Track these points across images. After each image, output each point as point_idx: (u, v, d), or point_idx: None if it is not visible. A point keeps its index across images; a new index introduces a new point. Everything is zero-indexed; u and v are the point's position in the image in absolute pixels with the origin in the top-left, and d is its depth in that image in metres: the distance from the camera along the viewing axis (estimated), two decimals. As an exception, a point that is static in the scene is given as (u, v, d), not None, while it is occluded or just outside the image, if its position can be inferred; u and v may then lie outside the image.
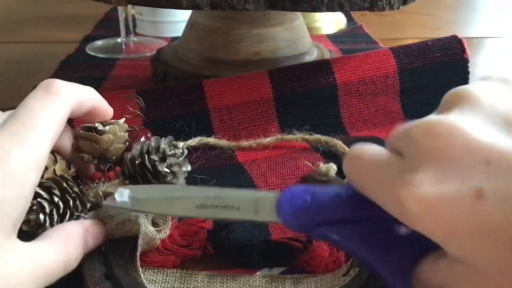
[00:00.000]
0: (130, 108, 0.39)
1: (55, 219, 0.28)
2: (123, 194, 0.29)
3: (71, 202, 0.29)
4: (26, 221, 0.27)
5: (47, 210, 0.28)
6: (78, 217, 0.30)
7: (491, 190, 0.18)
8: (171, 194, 0.28)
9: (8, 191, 0.24)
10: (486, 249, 0.18)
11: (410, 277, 0.22)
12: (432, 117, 0.21)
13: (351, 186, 0.24)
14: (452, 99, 0.22)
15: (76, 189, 0.30)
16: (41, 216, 0.28)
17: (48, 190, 0.29)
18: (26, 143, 0.25)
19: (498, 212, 0.17)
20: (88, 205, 0.31)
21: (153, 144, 0.33)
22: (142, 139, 0.37)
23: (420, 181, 0.19)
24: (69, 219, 0.29)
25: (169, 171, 0.33)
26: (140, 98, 0.41)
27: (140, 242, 0.30)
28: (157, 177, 0.33)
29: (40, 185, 0.29)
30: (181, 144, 0.35)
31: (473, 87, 0.22)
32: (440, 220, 0.19)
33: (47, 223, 0.28)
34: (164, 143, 0.34)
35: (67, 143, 0.33)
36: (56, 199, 0.29)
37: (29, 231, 0.28)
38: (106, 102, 0.33)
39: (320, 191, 0.25)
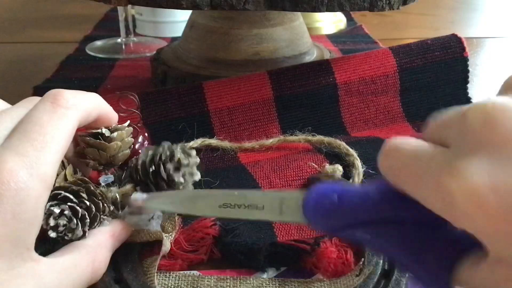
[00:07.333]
0: (123, 106, 0.38)
1: (87, 223, 0.28)
2: (141, 197, 0.29)
3: (100, 205, 0.29)
4: (53, 227, 0.27)
5: (80, 214, 0.27)
6: (102, 221, 0.30)
7: None
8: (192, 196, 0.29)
9: (21, 222, 0.23)
10: None
11: (448, 278, 0.21)
12: (491, 102, 0.18)
13: (384, 184, 0.22)
14: None
15: (100, 191, 0.30)
16: (74, 221, 0.27)
17: (76, 194, 0.28)
18: (36, 165, 0.24)
19: None
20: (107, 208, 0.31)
21: (168, 152, 0.33)
22: (140, 138, 0.37)
23: (470, 170, 0.17)
24: (98, 223, 0.29)
25: (183, 180, 0.32)
26: (136, 95, 0.41)
27: (162, 248, 0.30)
28: (171, 186, 0.32)
29: (66, 189, 0.28)
30: (194, 152, 0.34)
31: None
32: (490, 216, 0.17)
33: (79, 228, 0.27)
34: (179, 152, 0.33)
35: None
36: (87, 202, 0.28)
37: (57, 237, 0.27)
38: (111, 108, 0.32)
39: (349, 190, 0.23)
